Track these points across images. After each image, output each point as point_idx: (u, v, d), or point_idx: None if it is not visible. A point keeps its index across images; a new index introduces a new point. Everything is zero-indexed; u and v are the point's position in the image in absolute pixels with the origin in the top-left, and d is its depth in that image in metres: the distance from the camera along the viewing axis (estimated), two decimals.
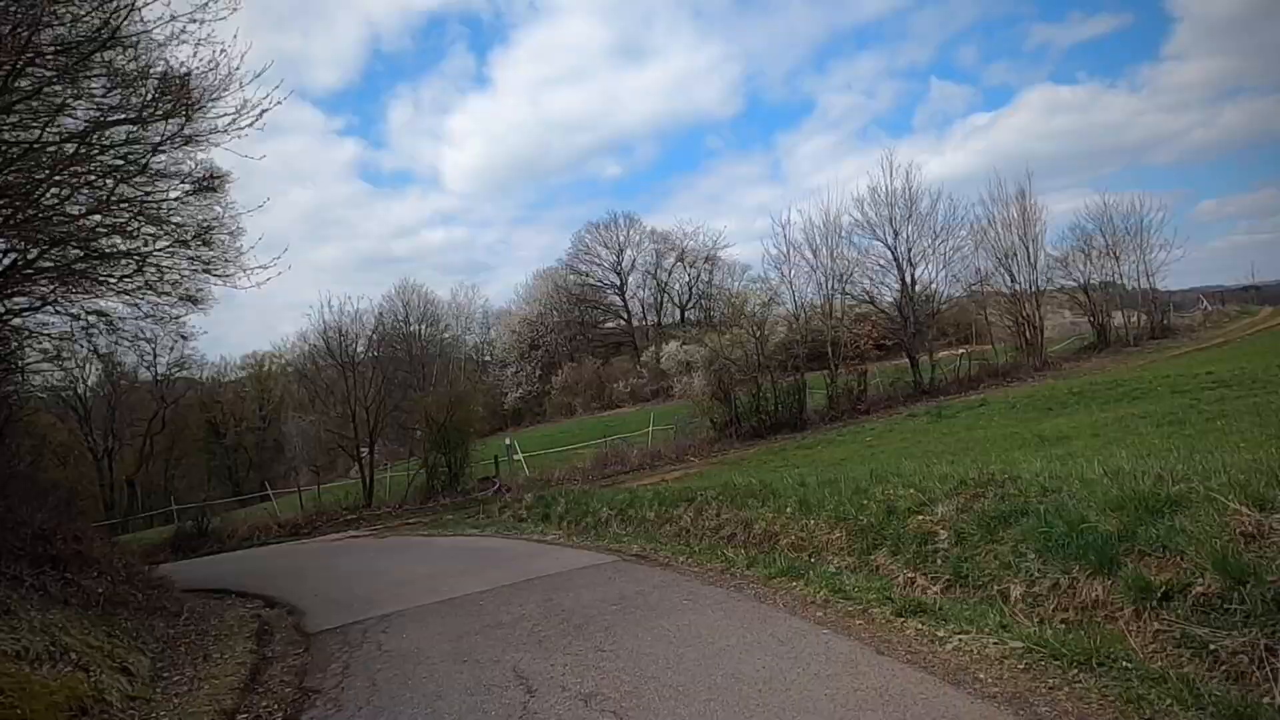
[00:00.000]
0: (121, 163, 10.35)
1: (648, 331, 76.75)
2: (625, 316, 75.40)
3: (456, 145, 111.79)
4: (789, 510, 9.01)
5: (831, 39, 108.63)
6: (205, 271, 13.28)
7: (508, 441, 18.20)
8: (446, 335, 78.21)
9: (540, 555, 10.64)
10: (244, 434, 76.97)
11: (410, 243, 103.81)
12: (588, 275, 75.47)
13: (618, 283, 74.43)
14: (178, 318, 15.49)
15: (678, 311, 74.25)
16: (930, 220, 30.88)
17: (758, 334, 27.75)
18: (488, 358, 79.56)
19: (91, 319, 18.55)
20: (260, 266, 12.48)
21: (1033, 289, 33.32)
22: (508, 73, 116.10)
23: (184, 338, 20.21)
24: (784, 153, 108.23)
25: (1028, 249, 33.39)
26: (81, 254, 11.92)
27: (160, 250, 14.71)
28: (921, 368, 30.22)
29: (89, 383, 73.31)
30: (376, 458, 34.54)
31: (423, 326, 73.82)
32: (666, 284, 74.19)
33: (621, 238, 74.34)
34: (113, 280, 12.87)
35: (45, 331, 15.38)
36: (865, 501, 7.70)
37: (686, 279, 72.33)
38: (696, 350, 63.63)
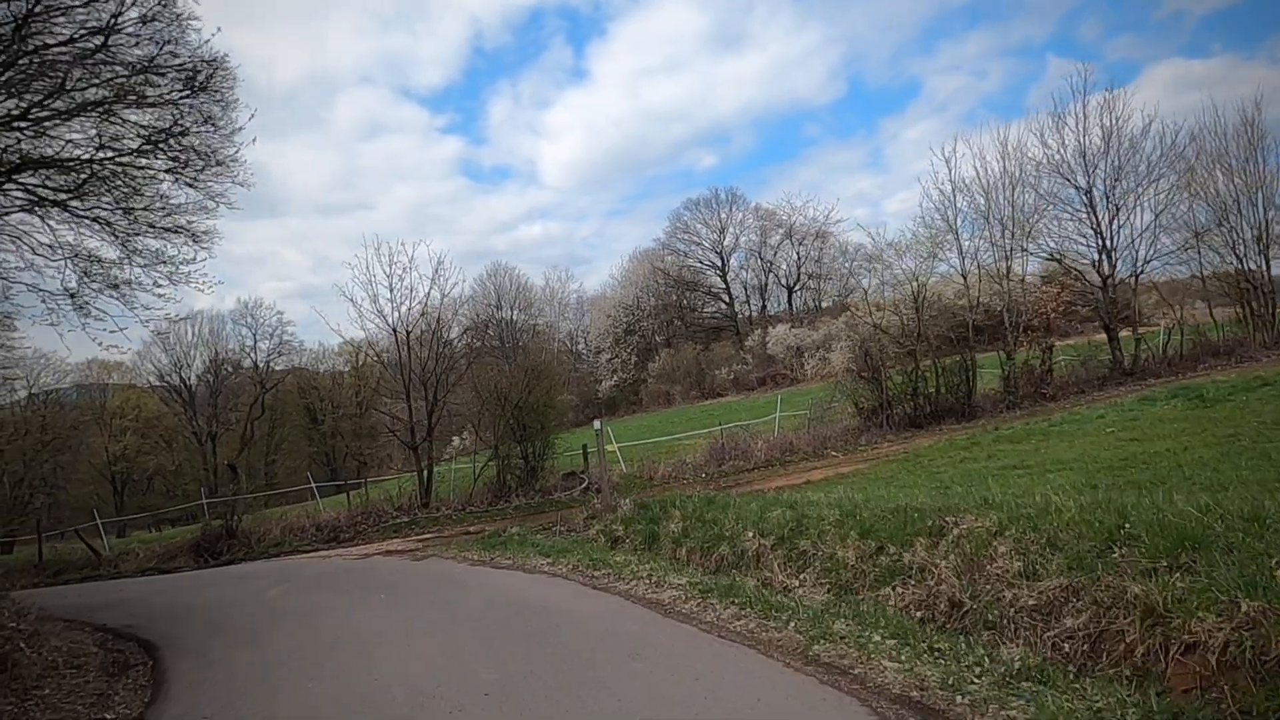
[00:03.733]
0: None
1: (750, 315, 70.56)
2: (726, 299, 69.30)
3: (554, 139, 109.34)
4: None
5: (940, 17, 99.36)
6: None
7: (597, 426, 12.45)
8: (539, 321, 74.34)
9: (662, 649, 4.99)
10: (340, 420, 74.78)
11: (508, 237, 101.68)
12: (687, 256, 69.78)
13: (719, 263, 68.44)
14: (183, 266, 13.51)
15: (784, 293, 67.54)
16: (1132, 161, 23.59)
17: (918, 296, 21.31)
18: (581, 345, 75.16)
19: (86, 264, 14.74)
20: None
21: (1262, 245, 25.46)
22: (605, 65, 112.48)
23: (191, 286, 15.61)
24: (886, 139, 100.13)
25: (1255, 199, 25.52)
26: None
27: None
28: (1124, 343, 23.06)
29: (195, 369, 73.42)
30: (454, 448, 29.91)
31: (514, 311, 70.08)
32: (772, 263, 67.60)
33: (723, 215, 68.34)
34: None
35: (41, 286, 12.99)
36: None
37: (796, 257, 65.54)
38: (808, 334, 57.15)
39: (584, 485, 18.35)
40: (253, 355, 74.07)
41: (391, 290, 17.56)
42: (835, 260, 65.90)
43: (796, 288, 67.34)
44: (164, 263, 15.61)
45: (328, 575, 11.12)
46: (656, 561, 8.57)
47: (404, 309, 17.78)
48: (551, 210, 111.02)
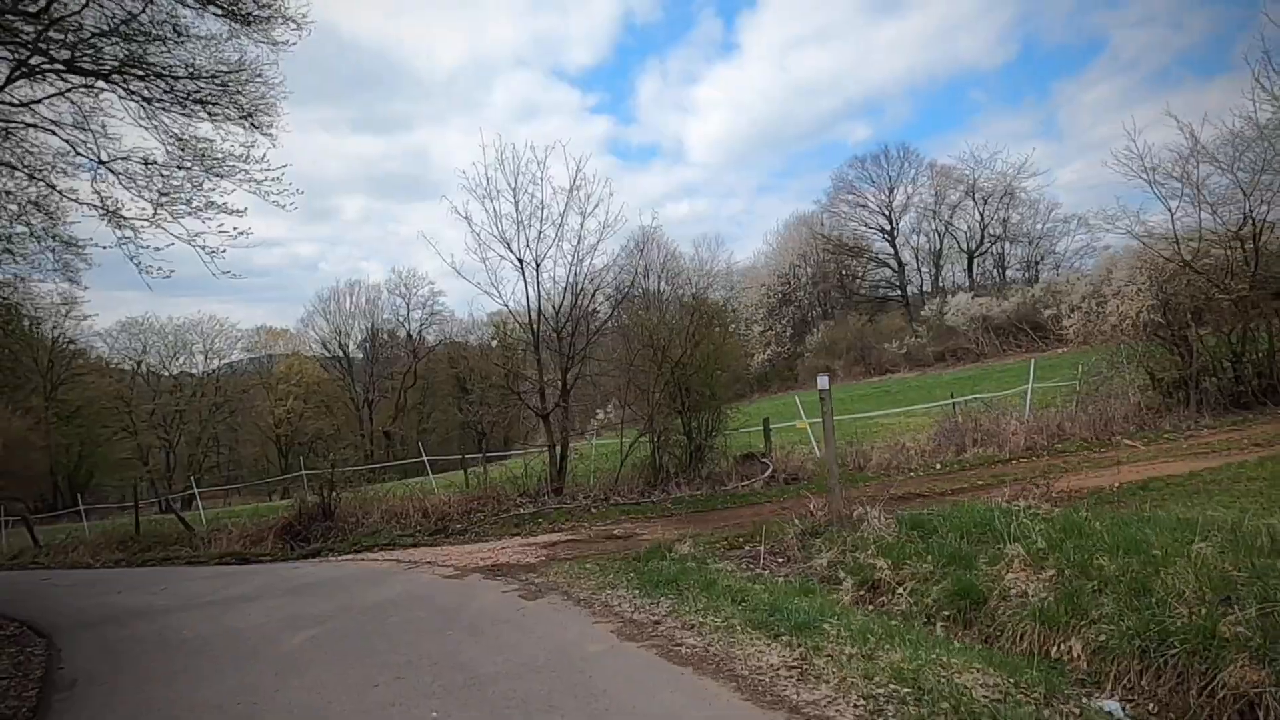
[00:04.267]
0: None
1: (922, 284, 62.78)
2: (895, 266, 61.90)
3: (702, 116, 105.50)
4: None
5: None
6: None
7: (823, 385, 7.35)
8: (686, 293, 69.89)
9: None
10: (488, 391, 73.77)
11: (655, 216, 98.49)
12: (849, 219, 62.90)
13: (887, 227, 61.11)
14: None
15: (964, 259, 59.32)
16: None
17: (1255, 227, 14.64)
18: (730, 323, 70.12)
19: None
20: None
21: None
22: (754, 36, 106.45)
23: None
24: (1061, 103, 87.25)
25: None
26: None
27: None
28: None
29: (354, 337, 74.78)
30: (598, 422, 26.05)
31: (662, 281, 65.96)
32: (949, 226, 59.49)
33: (893, 173, 60.85)
34: None
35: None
36: None
37: (979, 217, 57.18)
38: (995, 303, 49.31)
39: (768, 473, 13.49)
40: (406, 325, 74.70)
41: (517, 207, 13.32)
42: (1024, 221, 57.09)
43: (979, 252, 58.93)
44: (219, 158, 12.15)
45: (390, 610, 6.90)
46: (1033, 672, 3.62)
47: (533, 233, 13.48)
48: (698, 188, 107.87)
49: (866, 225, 62.15)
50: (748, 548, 8.29)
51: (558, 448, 13.85)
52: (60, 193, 12.95)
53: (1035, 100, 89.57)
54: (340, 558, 12.14)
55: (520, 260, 13.61)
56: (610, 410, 31.17)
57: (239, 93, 11.05)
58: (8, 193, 13.62)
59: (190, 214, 13.12)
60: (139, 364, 61.86)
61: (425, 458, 15.80)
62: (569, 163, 14.32)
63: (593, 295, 13.67)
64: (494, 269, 13.55)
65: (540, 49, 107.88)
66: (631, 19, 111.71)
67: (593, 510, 12.71)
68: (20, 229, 13.72)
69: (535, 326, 13.80)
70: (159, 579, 12.17)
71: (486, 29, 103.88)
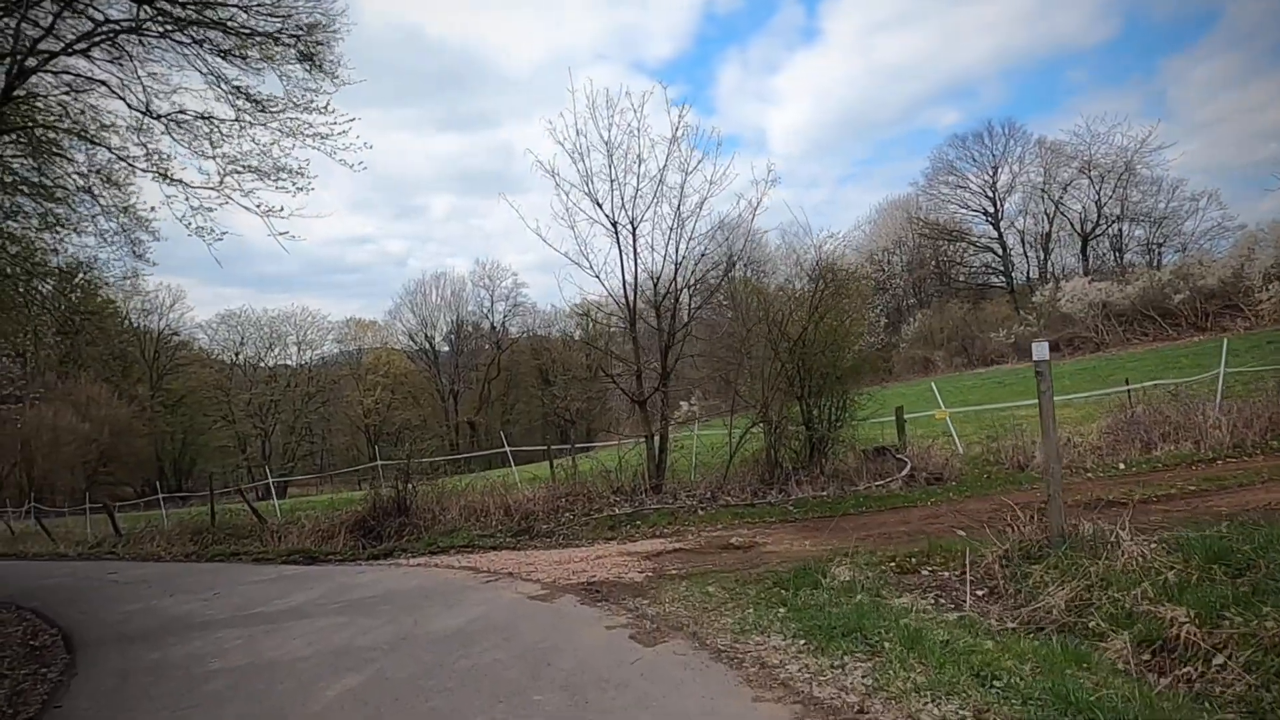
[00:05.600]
0: None
1: (1029, 269, 58.25)
2: (999, 250, 57.58)
3: (782, 105, 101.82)
4: None
5: None
6: None
7: (1040, 355, 5.12)
8: (772, 284, 67.09)
9: None
10: (571, 383, 72.96)
11: (735, 206, 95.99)
12: (949, 201, 58.88)
13: (991, 209, 56.82)
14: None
15: (1076, 242, 54.60)
16: None
17: None
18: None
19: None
20: None
21: None
22: (836, 23, 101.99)
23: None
24: (1169, 80, 79.49)
25: None
26: None
27: None
28: None
29: (439, 329, 75.18)
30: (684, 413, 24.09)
31: (747, 270, 63.39)
32: (1060, 206, 54.86)
33: (997, 152, 56.46)
34: None
35: None
36: None
37: (1095, 196, 52.43)
38: (1115, 288, 44.93)
39: (905, 471, 11.23)
40: (490, 317, 74.54)
41: (611, 161, 11.44)
42: (1145, 200, 52.05)
43: (1094, 235, 54.11)
44: (278, 108, 10.70)
45: (459, 648, 5.07)
46: None
47: (628, 193, 11.59)
48: (779, 178, 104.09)
49: (967, 208, 58.01)
50: (925, 572, 6.17)
51: (656, 438, 11.95)
52: (118, 155, 11.86)
53: (1140, 78, 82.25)
54: (413, 560, 10.58)
55: (614, 224, 11.73)
56: (694, 401, 29.07)
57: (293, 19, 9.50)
58: (69, 160, 12.70)
59: (256, 179, 11.88)
60: (237, 355, 63.39)
61: (508, 448, 14.16)
62: (669, 110, 12.26)
63: (697, 262, 11.66)
64: (584, 237, 11.70)
65: (620, 42, 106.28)
66: (712, 8, 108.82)
67: (699, 512, 10.75)
68: (83, 198, 12.82)
69: (631, 300, 11.92)
70: (218, 579, 10.88)
71: (565, 24, 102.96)
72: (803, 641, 4.52)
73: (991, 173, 56.38)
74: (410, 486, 13.15)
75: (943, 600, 5.46)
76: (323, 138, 10.71)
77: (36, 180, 12.49)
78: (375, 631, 6.30)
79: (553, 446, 14.09)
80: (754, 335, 11.53)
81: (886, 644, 4.24)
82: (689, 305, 11.94)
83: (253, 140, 11.00)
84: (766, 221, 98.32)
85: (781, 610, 5.32)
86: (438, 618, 6.52)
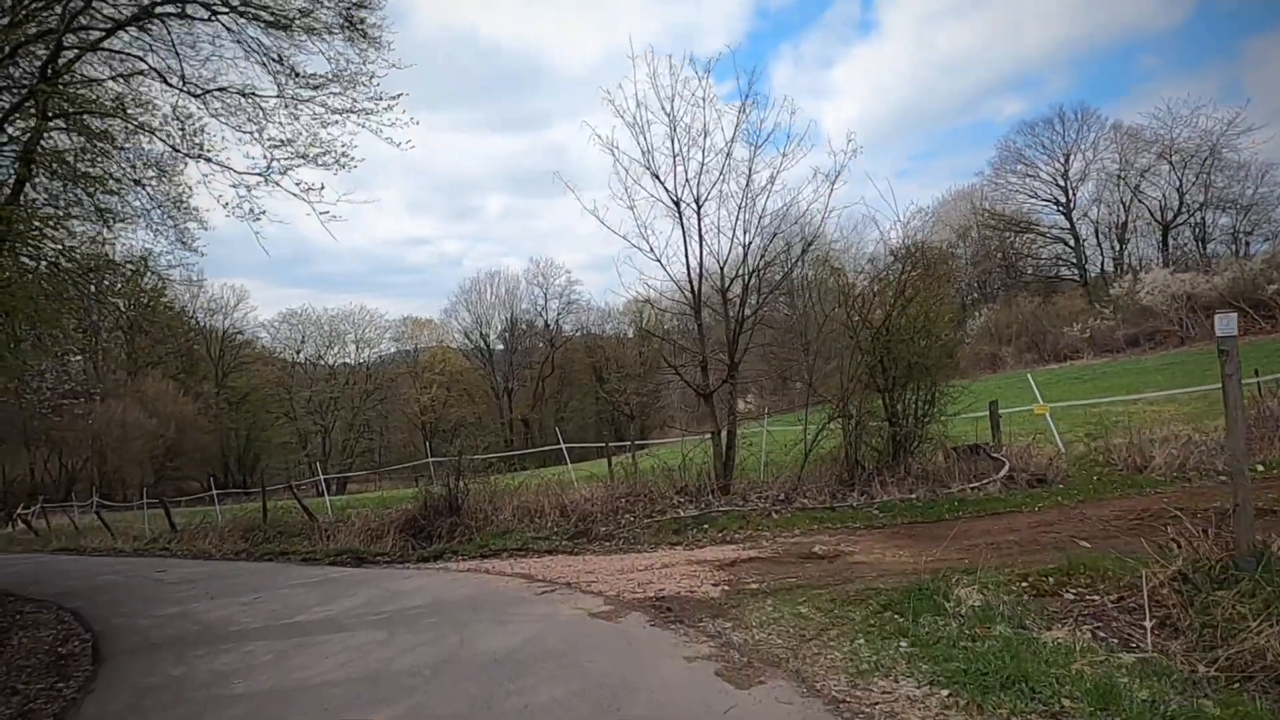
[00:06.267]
0: None
1: (1103, 260, 55.31)
2: (1072, 241, 54.79)
3: (837, 99, 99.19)
4: None
5: None
6: None
7: (1224, 329, 3.97)
8: (831, 278, 65.10)
9: None
10: (625, 380, 72.63)
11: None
12: (1017, 191, 56.32)
13: (1062, 198, 54.12)
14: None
15: (1155, 231, 51.60)
16: None
17: None
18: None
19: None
20: None
21: None
22: (894, 14, 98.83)
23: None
24: (1249, 64, 74.25)
25: None
26: None
27: None
28: None
29: (494, 327, 75.36)
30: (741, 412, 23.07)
31: (803, 264, 61.61)
32: (1138, 193, 51.89)
33: (1069, 138, 53.75)
34: None
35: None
36: None
37: (1177, 184, 49.41)
38: (1200, 279, 42.15)
39: (1003, 472, 10.00)
40: (544, 315, 74.34)
41: (673, 132, 10.47)
42: (1230, 186, 48.84)
43: (1174, 223, 51.05)
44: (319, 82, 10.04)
45: (512, 677, 4.14)
46: None
47: (692, 168, 10.61)
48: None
49: (1036, 198, 55.37)
50: (1069, 595, 5.06)
51: (723, 434, 10.95)
52: (163, 140, 11.40)
53: (1220, 61, 77.23)
54: (464, 563, 9.81)
55: (676, 202, 10.76)
56: (749, 399, 27.89)
57: None
58: (119, 149, 12.34)
59: (300, 160, 11.30)
60: (298, 353, 64.42)
61: (563, 445, 13.32)
62: (739, 76, 11.25)
63: (769, 242, 10.62)
64: (644, 220, 10.76)
65: (673, 39, 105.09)
66: (764, 4, 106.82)
67: (773, 515, 9.72)
68: (133, 189, 12.46)
69: (696, 284, 10.93)
70: (263, 580, 10.31)
71: (618, 23, 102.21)
72: (946, 693, 3.51)
73: (1063, 160, 53.72)
74: (462, 485, 12.43)
75: (1102, 634, 4.36)
76: (368, 113, 10.02)
77: (88, 171, 12.19)
78: (416, 652, 5.49)
79: (610, 444, 13.21)
80: (831, 322, 10.44)
81: (1066, 701, 3.20)
82: (758, 290, 10.90)
83: (294, 118, 10.40)
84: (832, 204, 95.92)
85: (903, 644, 4.30)
86: (487, 635, 5.68)
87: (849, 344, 10.43)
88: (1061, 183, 53.99)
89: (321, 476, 16.59)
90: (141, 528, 18.93)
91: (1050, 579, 5.36)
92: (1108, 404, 16.55)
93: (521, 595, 7.09)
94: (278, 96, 10.05)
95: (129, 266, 14.04)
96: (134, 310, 16.64)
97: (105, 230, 12.78)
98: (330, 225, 10.51)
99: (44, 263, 12.36)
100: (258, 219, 10.16)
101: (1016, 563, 6.09)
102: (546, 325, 75.48)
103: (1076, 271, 54.60)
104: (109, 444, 38.47)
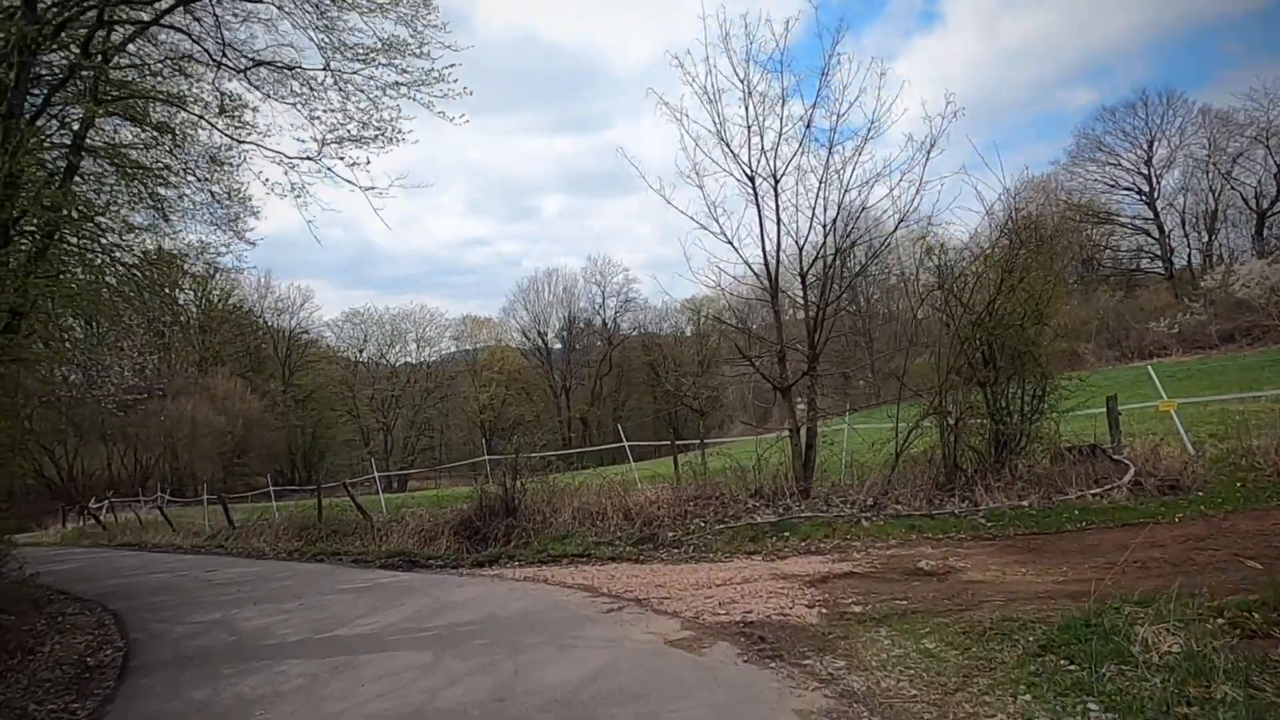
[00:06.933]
0: None
1: (1190, 252, 51.92)
2: (1156, 233, 51.59)
3: (900, 93, 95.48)
4: None
5: None
6: None
7: None
8: (893, 275, 62.83)
9: None
10: (682, 380, 71.73)
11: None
12: (1096, 180, 53.33)
13: (1145, 187, 51.00)
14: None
15: (1249, 220, 48.21)
16: None
17: None
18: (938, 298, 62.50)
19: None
20: None
21: None
22: (957, 6, 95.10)
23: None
24: None
25: None
26: None
27: None
28: None
29: (552, 326, 75.24)
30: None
31: (868, 257, 59.53)
32: (1229, 180, 48.56)
33: (1152, 124, 50.62)
34: None
35: None
36: None
37: (1275, 169, 46.01)
38: None
39: (1128, 476, 8.69)
40: (601, 313, 73.82)
41: (748, 97, 9.44)
42: None
43: (1271, 211, 47.57)
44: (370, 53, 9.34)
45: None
46: None
47: (768, 140, 9.57)
48: (895, 169, 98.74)
49: (1117, 187, 52.32)
50: None
51: (802, 431, 9.88)
52: (212, 124, 10.91)
53: None
54: (521, 570, 9.00)
55: (751, 177, 9.75)
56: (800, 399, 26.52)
57: None
58: (171, 134, 11.94)
59: (354, 145, 10.68)
60: (361, 352, 65.26)
61: (626, 443, 12.43)
62: (820, 35, 10.20)
63: (855, 220, 9.51)
64: (714, 199, 9.76)
65: (730, 36, 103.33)
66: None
67: (862, 523, 8.62)
68: (186, 179, 12.09)
69: (773, 267, 9.88)
70: (310, 584, 9.69)
71: (673, 20, 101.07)
72: None
73: (1146, 147, 50.60)
74: (518, 484, 11.65)
75: None
76: (420, 84, 9.29)
77: (140, 160, 11.85)
78: (465, 682, 4.63)
79: (676, 441, 12.24)
80: (926, 308, 9.29)
81: None
82: (839, 275, 9.80)
83: (344, 95, 9.75)
84: (879, 214, 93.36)
85: (1091, 705, 3.24)
86: (546, 664, 4.79)
87: (946, 332, 9.26)
88: (1144, 170, 50.89)
89: (376, 474, 16.06)
90: (202, 524, 18.77)
91: (1254, 614, 4.20)
92: (1221, 402, 14.86)
93: (585, 613, 6.20)
94: (325, 70, 9.40)
95: (187, 261, 13.70)
96: (203, 312, 16.46)
97: (163, 222, 12.47)
98: (393, 229, 10.09)
99: (104, 256, 12.09)
100: (299, 196, 9.58)
101: (1186, 588, 4.91)
102: (604, 324, 75.02)
103: (1161, 264, 51.39)
104: (180, 440, 39.23)
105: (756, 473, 10.13)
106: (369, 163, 9.34)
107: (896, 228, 9.50)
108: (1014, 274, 8.74)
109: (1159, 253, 51.60)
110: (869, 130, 9.38)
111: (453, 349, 73.01)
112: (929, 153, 9.15)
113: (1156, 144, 50.67)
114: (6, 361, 9.64)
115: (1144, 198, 51.40)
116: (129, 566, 13.91)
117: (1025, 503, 8.62)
